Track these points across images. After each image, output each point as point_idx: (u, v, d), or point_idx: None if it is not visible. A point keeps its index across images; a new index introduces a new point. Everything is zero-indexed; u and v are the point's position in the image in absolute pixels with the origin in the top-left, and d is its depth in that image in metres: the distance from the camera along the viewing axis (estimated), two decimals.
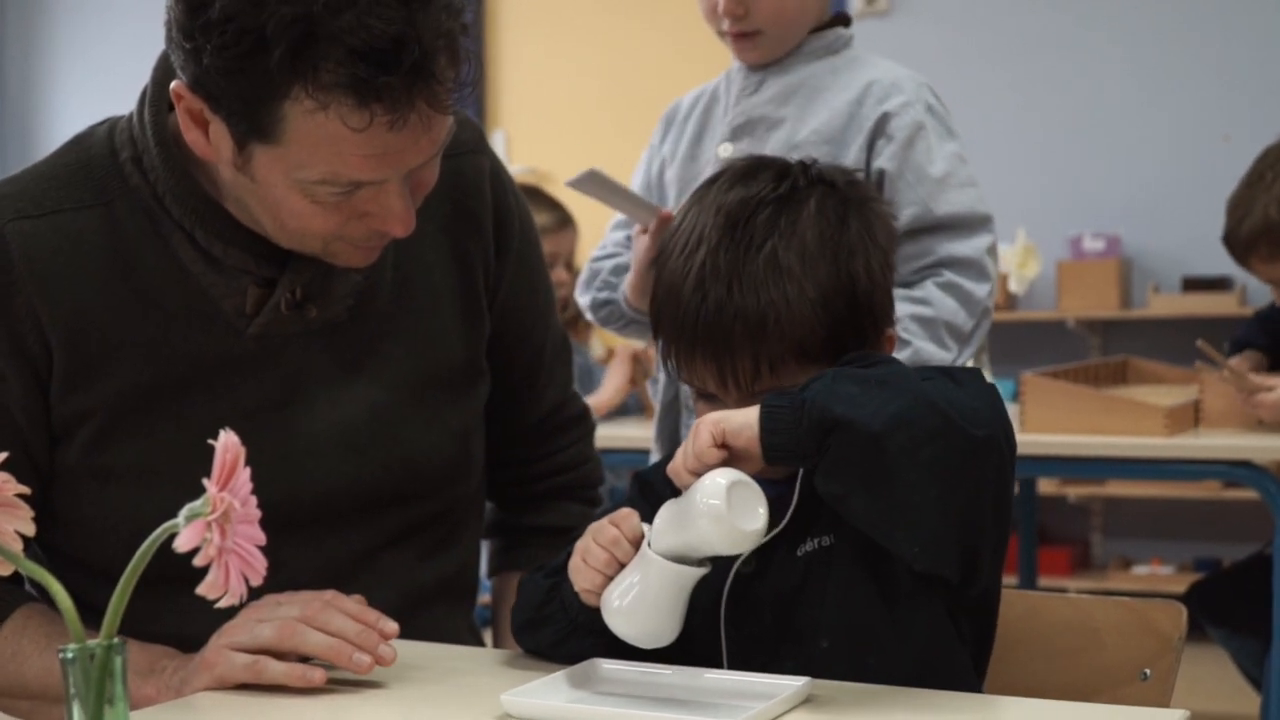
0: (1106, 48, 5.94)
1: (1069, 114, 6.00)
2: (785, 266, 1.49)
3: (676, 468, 1.43)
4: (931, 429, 1.33)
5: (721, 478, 1.37)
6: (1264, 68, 5.71)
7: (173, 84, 1.55)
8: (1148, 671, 1.61)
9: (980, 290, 2.27)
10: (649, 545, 1.43)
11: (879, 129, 2.30)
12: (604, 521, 1.48)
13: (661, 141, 2.54)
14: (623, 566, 1.45)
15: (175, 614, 1.50)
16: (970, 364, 2.32)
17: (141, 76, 1.67)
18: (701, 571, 1.43)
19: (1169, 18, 5.86)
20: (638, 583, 1.43)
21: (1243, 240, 3.43)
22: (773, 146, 2.29)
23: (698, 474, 1.40)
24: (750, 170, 1.60)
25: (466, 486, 1.87)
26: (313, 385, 1.72)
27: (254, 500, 0.97)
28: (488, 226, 1.85)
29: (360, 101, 1.45)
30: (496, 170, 1.87)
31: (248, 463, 1.62)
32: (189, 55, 1.49)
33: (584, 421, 2.06)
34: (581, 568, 1.47)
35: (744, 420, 1.39)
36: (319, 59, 1.43)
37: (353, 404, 1.73)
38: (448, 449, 1.81)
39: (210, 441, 1.03)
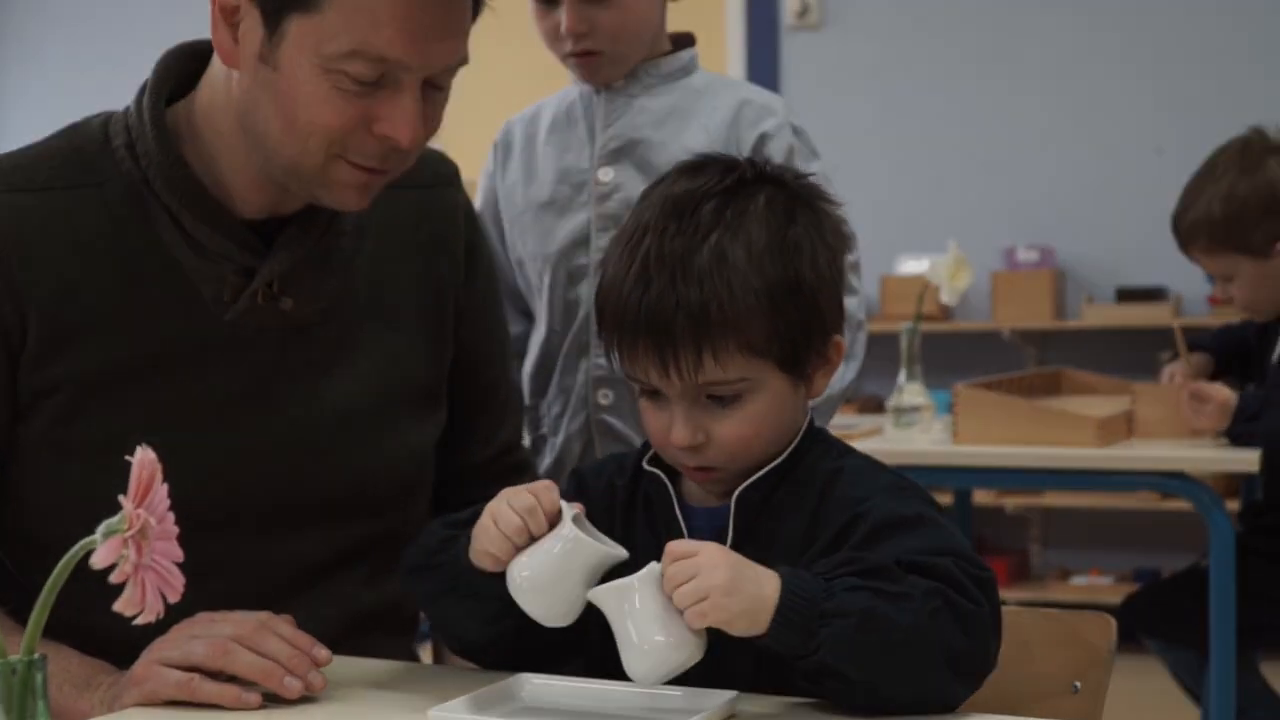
0: (1039, 60, 5.99)
1: (1002, 125, 6.03)
2: (731, 259, 1.46)
3: (672, 575, 1.35)
4: (931, 694, 1.38)
5: (681, 653, 1.36)
6: (1195, 81, 5.77)
7: None
8: (1078, 684, 1.62)
9: (850, 303, 2.27)
10: (572, 522, 1.41)
11: (757, 151, 2.27)
12: (521, 489, 1.45)
13: (503, 167, 2.45)
14: (533, 539, 1.43)
15: (142, 630, 1.49)
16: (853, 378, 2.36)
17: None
18: (624, 555, 1.43)
19: (1101, 32, 5.91)
20: (552, 559, 1.42)
21: (1184, 230, 3.47)
22: (654, 169, 2.23)
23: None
24: (698, 165, 1.57)
25: (417, 510, 1.87)
26: (281, 382, 1.74)
27: (171, 517, 0.96)
28: (459, 253, 1.90)
29: None
30: (469, 208, 1.95)
31: (210, 455, 1.63)
32: None
33: (528, 472, 2.06)
34: (490, 530, 1.45)
35: (744, 611, 1.34)
36: None
37: (318, 406, 1.75)
38: (405, 467, 1.83)
39: (149, 436, 1.01)
